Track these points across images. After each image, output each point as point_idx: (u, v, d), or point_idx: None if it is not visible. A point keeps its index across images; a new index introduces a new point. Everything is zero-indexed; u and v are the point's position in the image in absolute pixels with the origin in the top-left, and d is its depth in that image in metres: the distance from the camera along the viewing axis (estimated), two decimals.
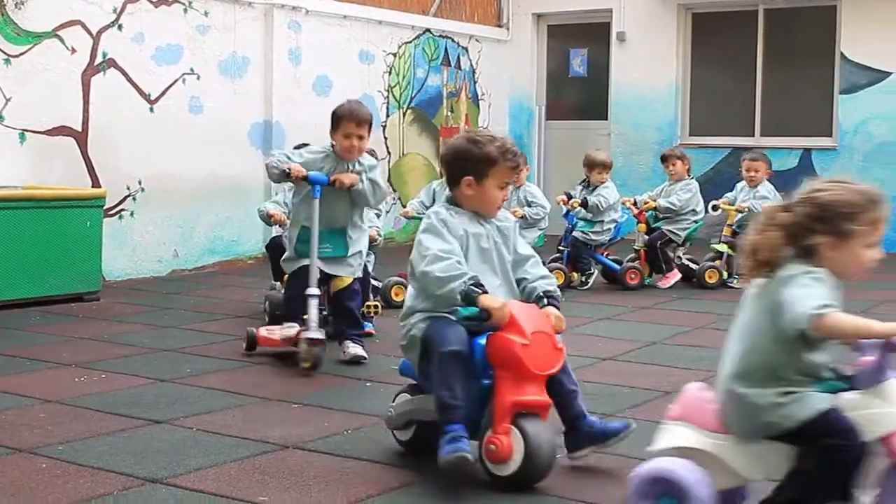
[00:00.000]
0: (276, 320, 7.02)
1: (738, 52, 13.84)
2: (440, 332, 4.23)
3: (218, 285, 9.78)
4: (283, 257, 6.74)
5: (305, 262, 6.39)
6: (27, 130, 9.24)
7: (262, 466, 4.41)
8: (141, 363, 6.42)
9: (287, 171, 6.34)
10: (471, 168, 4.43)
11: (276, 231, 8.32)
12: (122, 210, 9.97)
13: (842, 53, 13.02)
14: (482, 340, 4.21)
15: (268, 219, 7.96)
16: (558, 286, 9.18)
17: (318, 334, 6.15)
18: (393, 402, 4.61)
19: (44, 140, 9.36)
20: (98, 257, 8.84)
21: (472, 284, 4.19)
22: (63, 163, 9.48)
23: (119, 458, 4.48)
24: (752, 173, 9.83)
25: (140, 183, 10.11)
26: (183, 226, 10.53)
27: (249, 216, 11.12)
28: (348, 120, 6.40)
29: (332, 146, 6.50)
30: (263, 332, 6.66)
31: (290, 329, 6.41)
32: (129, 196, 10.02)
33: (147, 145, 10.16)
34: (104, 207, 9.14)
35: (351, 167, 6.47)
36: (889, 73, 12.75)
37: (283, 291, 7.11)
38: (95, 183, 9.66)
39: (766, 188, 9.83)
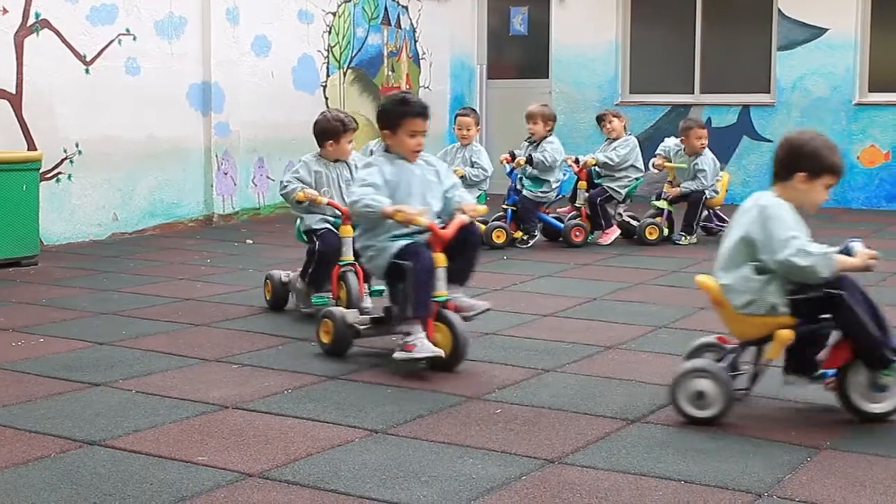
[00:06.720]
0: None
1: (676, 9, 13.88)
2: None
3: (158, 248, 9.69)
4: None
5: None
6: None
7: (202, 427, 4.41)
8: (80, 327, 6.37)
9: None
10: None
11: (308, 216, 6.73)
12: (60, 173, 9.84)
13: (779, 10, 13.10)
14: None
15: (301, 202, 6.55)
16: (500, 245, 9.39)
17: None
18: None
19: None
20: (35, 221, 8.73)
21: None
22: None
23: (57, 422, 4.46)
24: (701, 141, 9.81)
25: (77, 146, 9.98)
26: (122, 189, 10.41)
27: (189, 178, 11.04)
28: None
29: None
30: None
31: None
32: (66, 159, 9.88)
33: (84, 107, 10.01)
34: (41, 171, 9.01)
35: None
36: (825, 30, 12.86)
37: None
38: (31, 146, 9.50)
39: (705, 161, 9.76)
